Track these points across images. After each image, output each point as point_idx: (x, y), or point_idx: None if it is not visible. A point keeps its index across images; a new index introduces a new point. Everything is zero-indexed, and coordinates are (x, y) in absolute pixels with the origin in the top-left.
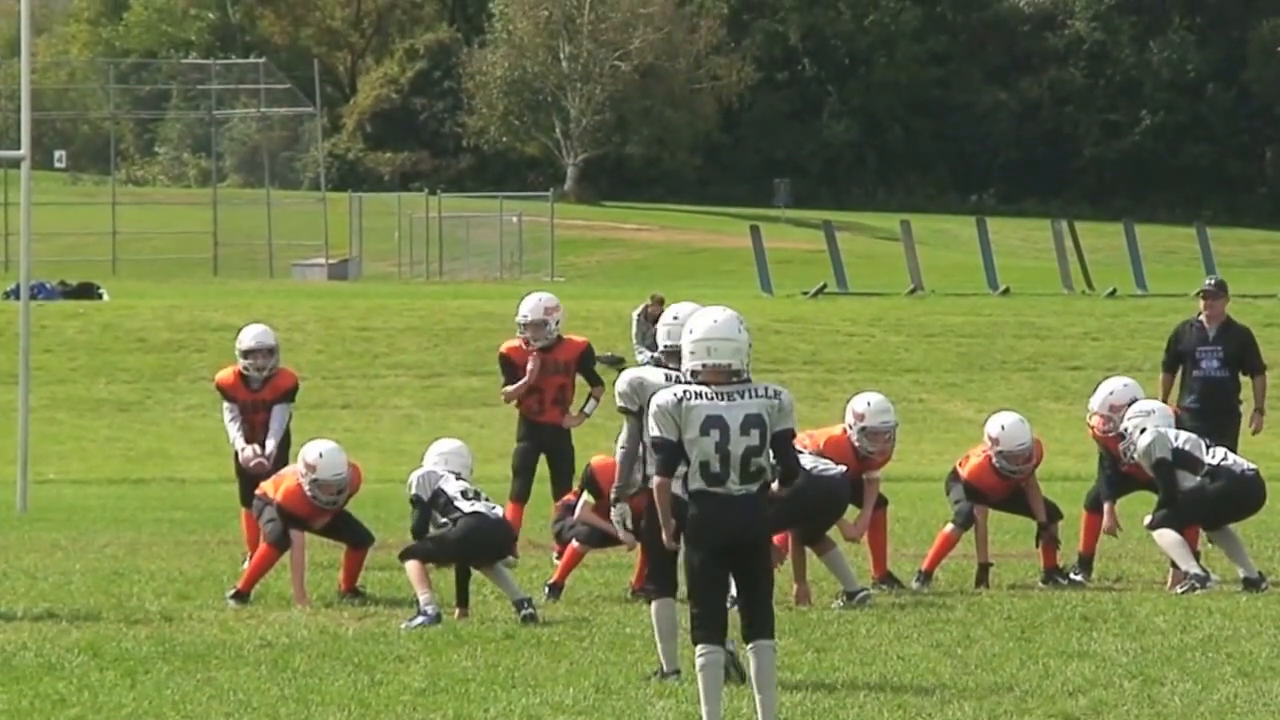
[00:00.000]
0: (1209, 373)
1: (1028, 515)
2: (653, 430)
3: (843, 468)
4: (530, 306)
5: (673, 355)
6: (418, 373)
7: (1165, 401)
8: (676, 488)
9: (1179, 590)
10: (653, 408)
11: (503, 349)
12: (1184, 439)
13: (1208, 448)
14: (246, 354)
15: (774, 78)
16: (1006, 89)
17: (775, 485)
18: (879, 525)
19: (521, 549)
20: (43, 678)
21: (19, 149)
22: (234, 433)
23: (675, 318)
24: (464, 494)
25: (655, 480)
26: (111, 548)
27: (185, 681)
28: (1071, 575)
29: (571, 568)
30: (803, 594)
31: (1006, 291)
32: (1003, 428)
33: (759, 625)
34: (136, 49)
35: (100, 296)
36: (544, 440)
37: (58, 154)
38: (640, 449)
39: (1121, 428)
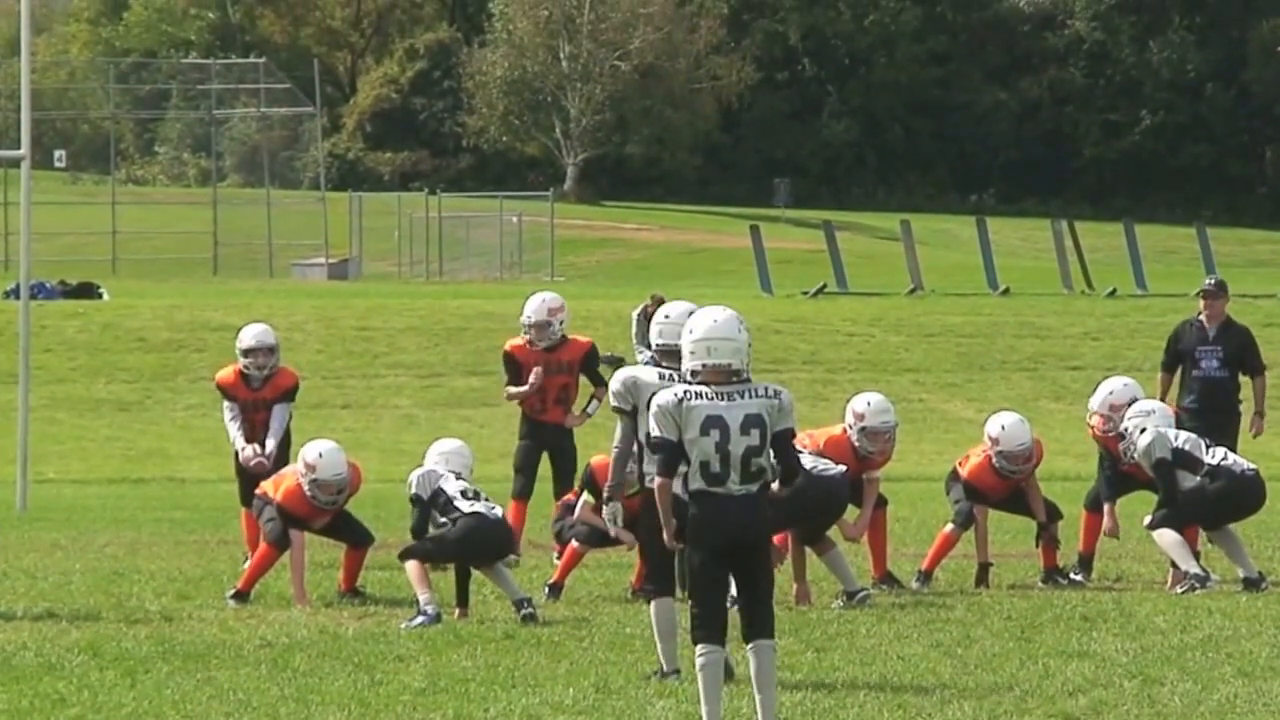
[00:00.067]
0: (1208, 372)
1: (1028, 515)
2: (653, 430)
3: (843, 468)
4: (534, 308)
5: (666, 354)
6: (418, 373)
7: (1163, 401)
8: (676, 487)
9: (1179, 590)
10: (653, 408)
11: (507, 347)
12: (1184, 439)
13: (1207, 448)
14: (247, 353)
15: (774, 78)
16: (1006, 89)
17: (775, 485)
18: (879, 525)
19: (522, 548)
20: (43, 677)
21: (19, 148)
22: (234, 432)
23: (667, 316)
24: (464, 494)
25: (656, 481)
26: (111, 547)
27: (185, 681)
28: (1071, 575)
29: (571, 568)
30: (803, 594)
31: (1006, 291)
32: (1003, 428)
33: (759, 625)
34: (136, 49)
35: (100, 296)
36: (546, 439)
37: (58, 154)
38: (634, 448)
39: (1121, 427)
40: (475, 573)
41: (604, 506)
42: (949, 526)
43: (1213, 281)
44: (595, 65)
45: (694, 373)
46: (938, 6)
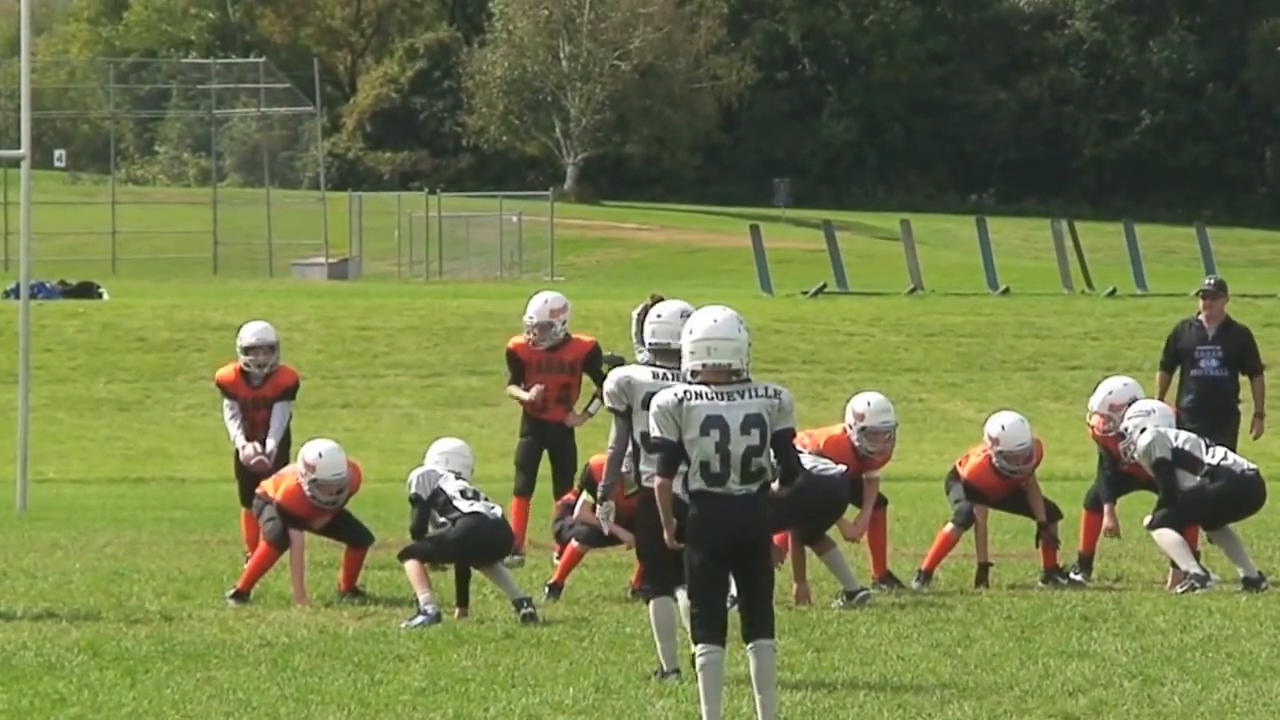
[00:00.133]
0: (1207, 372)
1: (1028, 515)
2: (653, 430)
3: (843, 467)
4: (536, 308)
5: (659, 353)
6: (418, 372)
7: (1161, 401)
8: (676, 487)
9: (1179, 590)
10: (653, 408)
11: (510, 344)
12: (1184, 439)
13: (1207, 447)
14: (247, 350)
15: (774, 77)
16: (1006, 89)
17: (776, 485)
18: (879, 525)
19: (525, 547)
20: (42, 677)
21: (19, 148)
22: (234, 430)
23: (659, 315)
24: (463, 493)
25: (656, 481)
26: (111, 547)
27: (185, 681)
28: (1071, 575)
29: (571, 567)
30: (803, 594)
31: (1006, 291)
32: (1003, 428)
33: (759, 625)
34: (136, 48)
35: (100, 296)
36: (547, 437)
37: (58, 153)
38: (628, 448)
39: (1121, 427)
40: (475, 572)
41: (598, 506)
42: (949, 526)
43: (1212, 281)
44: (595, 65)
45: (694, 372)
46: (938, 6)
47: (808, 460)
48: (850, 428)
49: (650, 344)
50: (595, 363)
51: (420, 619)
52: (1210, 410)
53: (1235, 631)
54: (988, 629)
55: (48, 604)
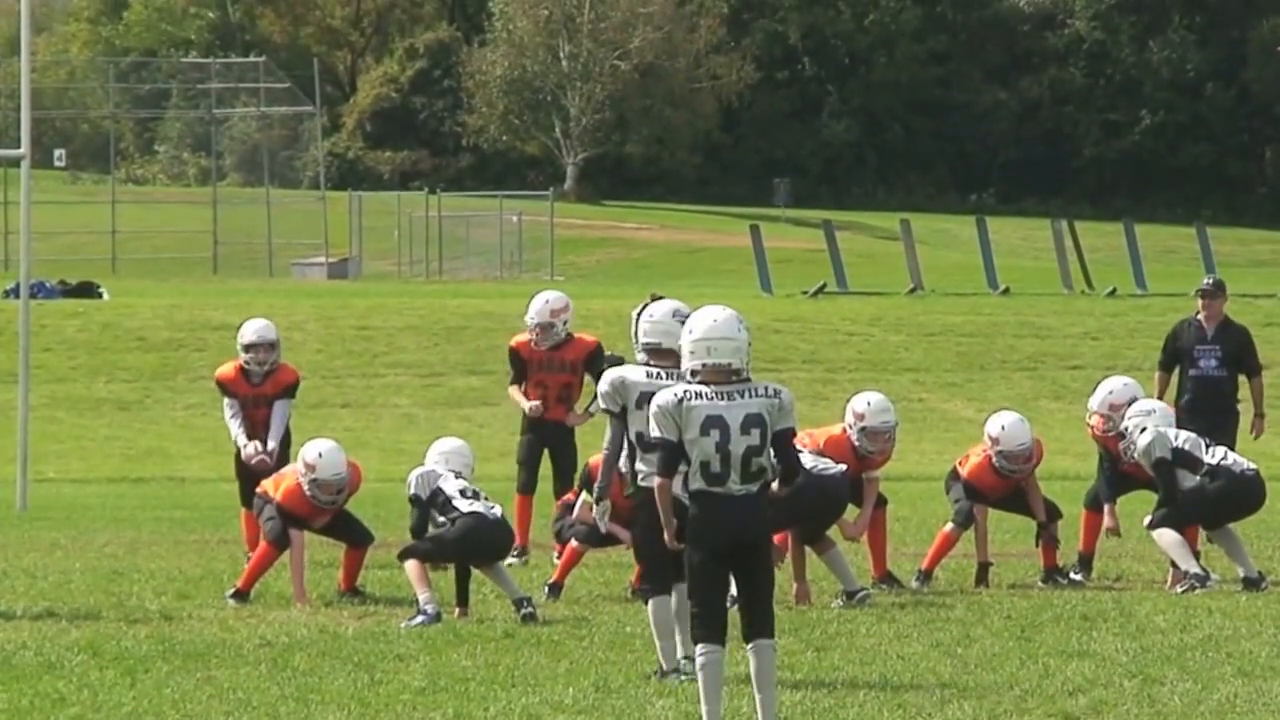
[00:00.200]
0: (1206, 371)
1: (1028, 515)
2: (653, 430)
3: (843, 467)
4: (537, 309)
5: (653, 352)
6: (417, 372)
7: (1160, 400)
8: (676, 487)
9: (1179, 590)
10: (653, 408)
11: (512, 343)
12: (1184, 438)
13: (1207, 447)
14: (248, 348)
15: (774, 77)
16: (1006, 88)
17: (776, 485)
18: (879, 525)
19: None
20: (42, 676)
21: (19, 148)
22: (235, 429)
23: (652, 316)
24: (463, 493)
25: (656, 481)
26: (111, 547)
27: (185, 680)
28: (1071, 575)
29: (571, 567)
30: (802, 593)
31: (1006, 291)
32: (1003, 427)
33: (759, 625)
34: (136, 48)
35: (100, 295)
36: (547, 435)
37: (57, 153)
38: (624, 448)
39: (1121, 427)
40: (475, 572)
41: (594, 506)
42: (949, 526)
43: (1211, 281)
44: (595, 65)
45: (694, 372)
46: (938, 6)
47: (808, 460)
48: (850, 427)
49: (643, 344)
50: (597, 363)
51: (420, 619)
52: (1209, 410)
53: (1235, 631)
54: (988, 629)
55: (48, 604)
